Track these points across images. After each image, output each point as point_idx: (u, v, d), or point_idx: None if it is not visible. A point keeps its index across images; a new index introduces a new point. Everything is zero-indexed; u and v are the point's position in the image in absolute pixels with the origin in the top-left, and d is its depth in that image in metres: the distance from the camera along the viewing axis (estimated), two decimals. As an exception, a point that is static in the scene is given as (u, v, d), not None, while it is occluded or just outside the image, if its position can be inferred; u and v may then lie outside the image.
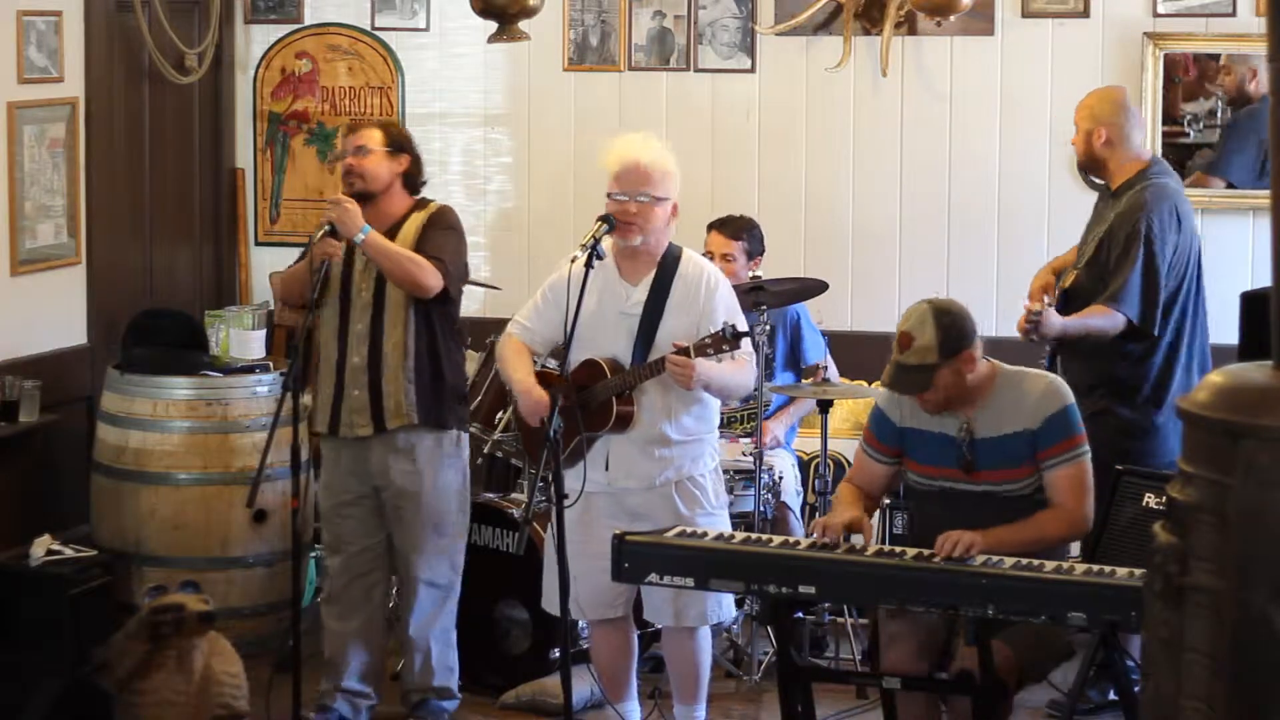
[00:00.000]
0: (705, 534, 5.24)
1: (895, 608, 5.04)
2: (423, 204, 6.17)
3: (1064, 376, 6.28)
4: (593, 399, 5.69)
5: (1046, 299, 6.31)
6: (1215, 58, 7.46)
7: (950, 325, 5.08)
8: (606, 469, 5.73)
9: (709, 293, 5.71)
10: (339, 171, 6.20)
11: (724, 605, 5.83)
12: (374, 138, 6.10)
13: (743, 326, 5.64)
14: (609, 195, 5.68)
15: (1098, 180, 6.59)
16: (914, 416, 5.25)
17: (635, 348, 5.68)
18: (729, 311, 5.70)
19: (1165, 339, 6.27)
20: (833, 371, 7.08)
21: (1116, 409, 6.26)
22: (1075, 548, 5.49)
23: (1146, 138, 6.50)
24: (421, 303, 6.01)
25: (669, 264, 5.72)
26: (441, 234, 6.06)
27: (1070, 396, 5.18)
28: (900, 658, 5.10)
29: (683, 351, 5.52)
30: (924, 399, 5.13)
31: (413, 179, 6.17)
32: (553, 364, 6.02)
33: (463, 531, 6.26)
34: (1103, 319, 6.21)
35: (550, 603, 5.77)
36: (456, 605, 6.27)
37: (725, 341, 5.47)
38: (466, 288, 7.79)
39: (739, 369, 5.67)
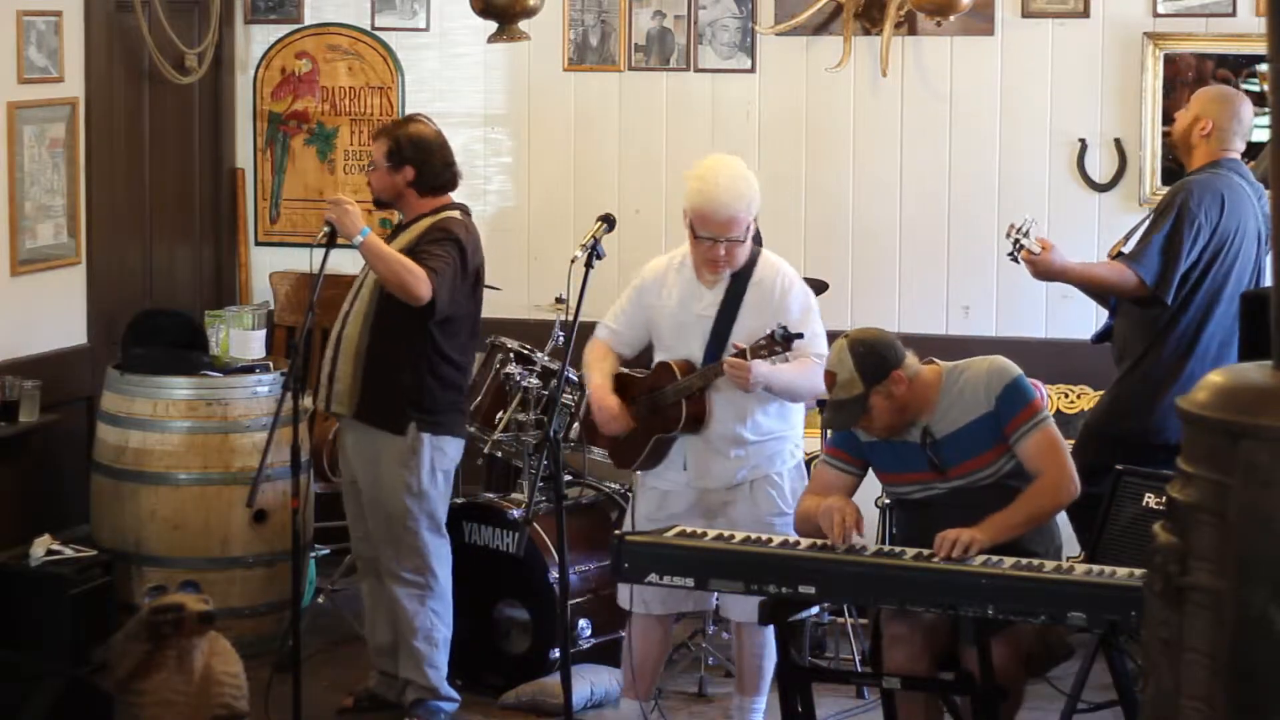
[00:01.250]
0: (705, 534, 5.24)
1: (896, 608, 5.05)
2: (440, 209, 6.18)
3: (1113, 341, 6.30)
4: (664, 400, 5.73)
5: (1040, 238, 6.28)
6: (1210, 58, 7.46)
7: (866, 354, 5.11)
8: (685, 469, 5.77)
9: (782, 295, 5.72)
10: (339, 171, 6.23)
11: None
12: (379, 151, 6.18)
13: (817, 328, 5.65)
14: (693, 232, 5.68)
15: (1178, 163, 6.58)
16: None
17: (707, 350, 5.71)
18: (803, 312, 5.70)
19: (1182, 324, 6.26)
20: None
21: (1127, 381, 6.27)
22: (1067, 547, 5.49)
23: (1243, 145, 6.49)
24: (395, 305, 6.00)
25: (745, 267, 5.74)
26: (435, 244, 6.05)
27: (1015, 370, 5.20)
28: (903, 660, 5.09)
29: (741, 354, 5.55)
30: (867, 428, 5.16)
31: (426, 183, 6.17)
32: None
33: (434, 531, 6.21)
34: (1109, 271, 6.22)
35: (624, 598, 5.88)
36: (445, 607, 6.24)
37: (776, 343, 5.49)
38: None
39: (804, 370, 5.62)
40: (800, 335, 5.54)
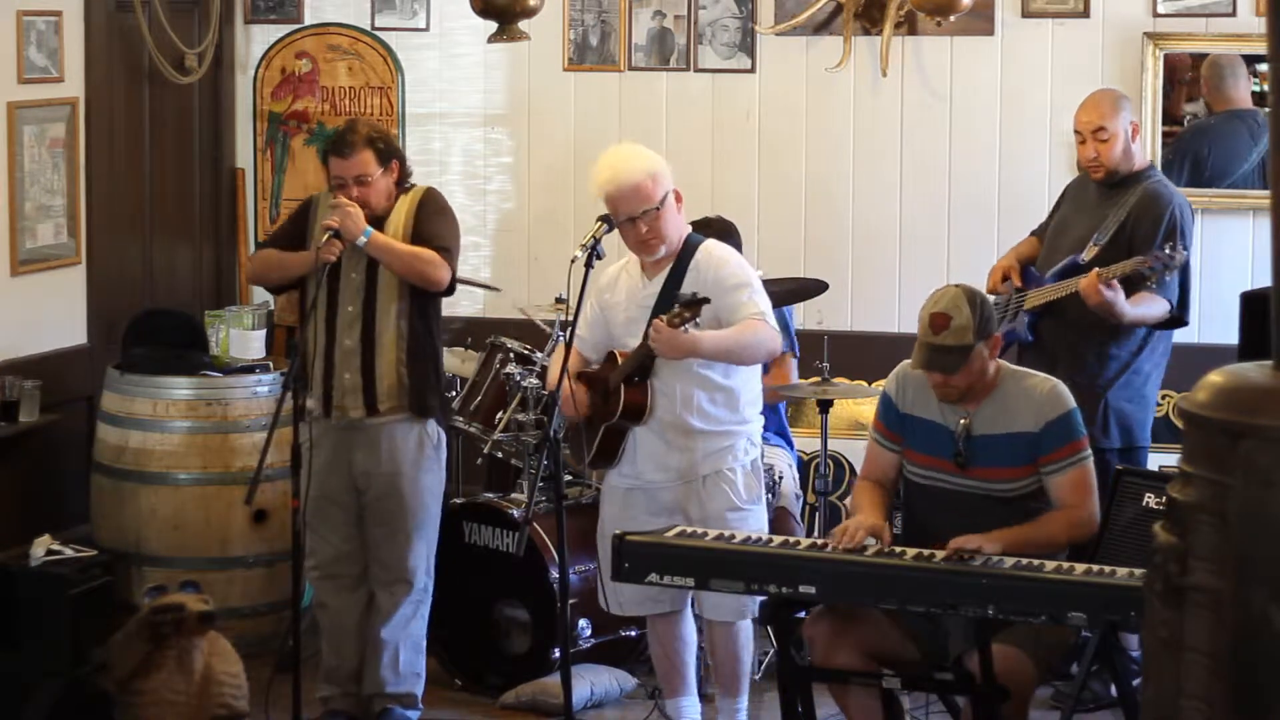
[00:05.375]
0: (705, 534, 5.24)
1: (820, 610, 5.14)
2: (406, 189, 6.14)
3: (1042, 348, 6.31)
4: (608, 388, 5.75)
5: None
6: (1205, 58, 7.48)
7: (982, 306, 5.16)
8: (635, 462, 5.77)
9: (715, 270, 5.70)
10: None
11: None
12: (369, 162, 5.98)
13: (764, 304, 5.65)
14: (618, 226, 5.72)
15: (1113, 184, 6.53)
16: (916, 404, 5.29)
17: (644, 337, 5.68)
18: (736, 284, 5.68)
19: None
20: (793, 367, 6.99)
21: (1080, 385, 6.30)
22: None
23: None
24: (417, 287, 6.00)
25: (686, 255, 5.76)
26: (437, 219, 6.03)
27: (1072, 401, 5.20)
28: (820, 658, 5.14)
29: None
30: (950, 384, 5.14)
31: (405, 171, 6.13)
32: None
33: (435, 535, 6.19)
34: (1154, 307, 6.27)
35: (606, 605, 5.88)
36: (428, 613, 6.20)
37: (687, 308, 5.49)
38: (466, 289, 7.84)
39: (743, 330, 5.63)
40: (706, 300, 5.51)
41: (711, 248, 5.81)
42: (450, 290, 6.05)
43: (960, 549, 4.87)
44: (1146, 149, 6.59)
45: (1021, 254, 6.71)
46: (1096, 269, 6.18)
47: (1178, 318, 6.33)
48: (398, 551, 6.10)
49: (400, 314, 6.01)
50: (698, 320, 5.51)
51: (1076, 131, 6.49)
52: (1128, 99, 6.59)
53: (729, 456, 5.74)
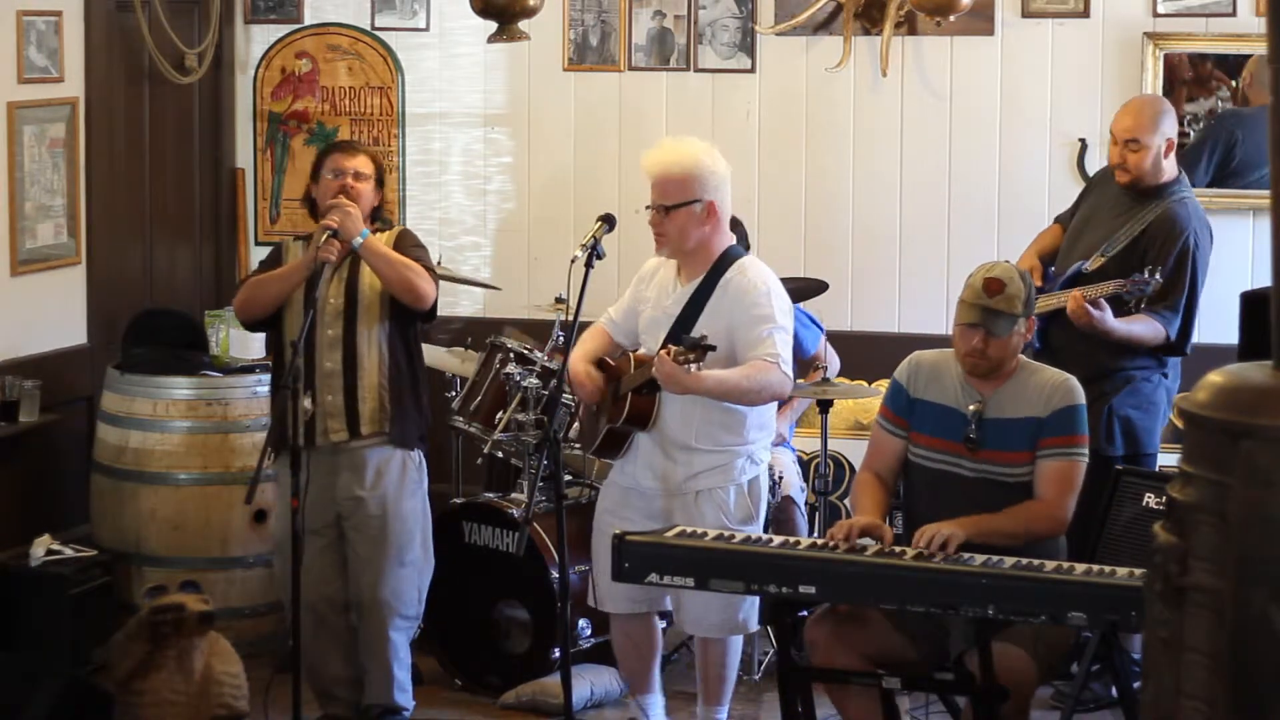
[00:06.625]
0: (705, 534, 5.24)
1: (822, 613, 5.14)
2: (382, 228, 6.15)
3: (1051, 353, 6.34)
4: (619, 390, 5.74)
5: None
6: (1210, 58, 7.46)
7: (1030, 287, 5.31)
8: (635, 463, 5.76)
9: (741, 296, 5.63)
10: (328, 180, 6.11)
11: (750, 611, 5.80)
12: (368, 164, 6.11)
13: (782, 345, 5.58)
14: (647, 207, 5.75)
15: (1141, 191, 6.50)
16: (929, 389, 5.32)
17: (662, 345, 5.63)
18: (759, 318, 5.60)
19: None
20: (833, 358, 7.02)
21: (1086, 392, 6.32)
22: (1064, 547, 5.49)
23: None
24: (399, 311, 5.99)
25: (721, 267, 5.69)
26: (417, 250, 6.05)
27: (1083, 398, 5.25)
28: (821, 660, 5.14)
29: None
30: (987, 351, 5.20)
31: (379, 212, 6.18)
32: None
33: (427, 565, 6.16)
34: (1147, 328, 6.29)
35: (595, 599, 5.88)
36: (411, 637, 6.19)
37: (691, 350, 5.41)
38: (465, 288, 7.84)
39: (751, 372, 5.56)
40: (713, 347, 5.41)
41: (746, 267, 5.71)
42: (430, 317, 6.03)
43: (928, 539, 4.91)
44: (1174, 163, 6.53)
45: (1044, 247, 6.71)
46: (1080, 288, 6.21)
47: (1176, 346, 6.32)
48: (378, 577, 6.03)
49: (381, 336, 5.99)
50: (700, 363, 5.44)
51: (1111, 132, 6.50)
52: (1170, 113, 6.50)
53: (723, 475, 5.71)
